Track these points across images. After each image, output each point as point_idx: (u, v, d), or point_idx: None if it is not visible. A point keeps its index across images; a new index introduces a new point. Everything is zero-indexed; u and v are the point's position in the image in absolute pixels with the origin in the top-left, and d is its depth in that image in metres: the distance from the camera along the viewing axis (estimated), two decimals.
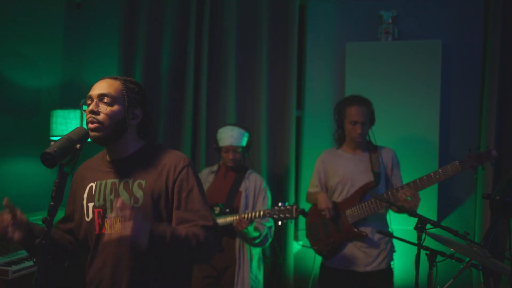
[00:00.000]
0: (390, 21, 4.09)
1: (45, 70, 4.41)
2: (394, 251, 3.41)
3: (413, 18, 4.13)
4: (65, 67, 4.64)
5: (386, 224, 3.38)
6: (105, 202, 2.01)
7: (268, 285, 4.01)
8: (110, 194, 2.01)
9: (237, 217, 3.31)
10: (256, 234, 3.38)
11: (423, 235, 2.44)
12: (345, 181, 3.36)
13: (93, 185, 2.07)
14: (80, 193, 2.09)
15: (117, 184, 2.02)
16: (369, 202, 3.23)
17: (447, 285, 2.48)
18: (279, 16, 4.25)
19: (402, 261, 3.85)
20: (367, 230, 3.29)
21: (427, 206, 3.87)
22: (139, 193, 1.98)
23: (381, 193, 3.27)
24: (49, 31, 4.49)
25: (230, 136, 3.48)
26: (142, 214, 1.81)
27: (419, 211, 2.50)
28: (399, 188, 3.16)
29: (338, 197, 3.39)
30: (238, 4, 4.32)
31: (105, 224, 2.00)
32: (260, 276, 3.57)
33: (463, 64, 4.03)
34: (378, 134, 3.57)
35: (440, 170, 3.10)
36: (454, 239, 2.50)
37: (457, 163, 3.08)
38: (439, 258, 2.55)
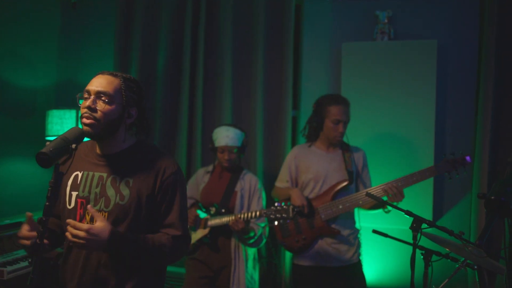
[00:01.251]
0: (386, 21, 4.10)
1: (41, 70, 4.40)
2: (360, 246, 3.47)
3: (409, 18, 4.14)
4: (61, 67, 4.63)
5: (354, 221, 3.44)
6: (89, 194, 2.01)
7: (264, 285, 4.01)
8: (96, 187, 2.01)
9: (233, 217, 3.31)
10: (250, 234, 3.38)
11: (419, 234, 2.44)
12: (318, 178, 3.38)
13: (79, 174, 2.07)
14: (65, 181, 2.08)
15: (104, 178, 2.02)
16: (345, 200, 3.26)
17: (442, 284, 2.49)
18: (275, 16, 4.25)
19: (397, 261, 3.87)
20: (337, 226, 3.33)
21: (423, 205, 3.88)
22: (125, 191, 1.99)
23: (351, 192, 3.33)
24: (45, 31, 4.48)
25: (226, 136, 3.47)
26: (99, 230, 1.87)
27: (414, 210, 2.50)
28: (386, 184, 3.20)
29: (310, 194, 3.40)
30: (234, 4, 4.32)
31: (87, 215, 2.01)
32: (256, 276, 3.57)
33: (459, 64, 4.04)
34: (373, 133, 3.58)
35: (417, 173, 3.17)
36: (450, 238, 2.51)
37: (433, 167, 3.16)
38: (434, 257, 2.56)
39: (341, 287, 3.37)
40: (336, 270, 3.34)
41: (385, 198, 3.16)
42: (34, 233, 1.87)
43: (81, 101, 2.01)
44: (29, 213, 1.91)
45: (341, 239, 3.34)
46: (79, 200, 2.03)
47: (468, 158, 3.13)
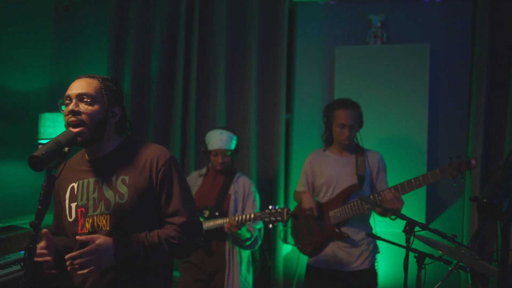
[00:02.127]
0: (379, 25, 4.11)
1: (34, 74, 4.39)
2: (378, 252, 3.45)
3: (402, 22, 4.16)
4: (53, 70, 4.61)
5: (369, 227, 3.44)
6: (88, 201, 2.00)
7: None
8: (93, 192, 2.00)
9: (227, 220, 3.30)
10: (248, 235, 3.38)
11: (412, 237, 2.45)
12: (330, 182, 3.40)
13: (75, 185, 2.06)
14: (62, 195, 2.08)
15: (100, 182, 2.01)
16: (353, 204, 3.27)
17: (435, 287, 2.50)
18: (269, 20, 4.26)
19: (390, 263, 3.87)
20: (349, 231, 3.33)
21: (416, 208, 3.89)
22: (123, 189, 1.98)
23: (365, 195, 3.30)
24: (37, 34, 4.46)
25: (219, 139, 3.47)
26: (100, 246, 1.87)
27: (407, 213, 2.51)
28: (384, 190, 3.20)
29: (323, 198, 3.43)
30: (227, 8, 4.32)
31: (86, 223, 2.00)
32: (250, 279, 3.57)
33: (451, 68, 4.06)
34: (367, 137, 3.58)
35: (420, 177, 3.14)
36: (442, 241, 2.51)
37: (438, 171, 3.12)
38: (427, 260, 2.56)
39: None
40: (347, 275, 3.33)
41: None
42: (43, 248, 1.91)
43: (63, 108, 2.00)
44: (44, 230, 1.92)
45: (353, 244, 3.33)
46: (78, 210, 2.02)
47: (473, 161, 3.09)
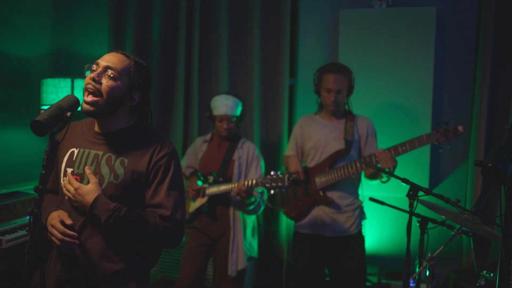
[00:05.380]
0: None
1: (34, 39, 4.33)
2: (364, 218, 3.45)
3: None
4: (54, 35, 4.55)
5: (356, 192, 3.41)
6: (84, 172, 1.99)
7: (262, 252, 4.05)
8: (91, 165, 2.00)
9: (231, 186, 3.31)
10: (252, 199, 3.39)
11: (415, 202, 2.45)
12: (318, 147, 3.37)
13: (75, 151, 2.05)
14: (60, 156, 2.07)
15: (100, 156, 2.01)
16: (338, 168, 3.24)
17: (437, 251, 2.52)
18: None
19: (393, 228, 3.90)
20: (334, 195, 3.32)
21: (419, 173, 3.90)
22: (120, 170, 1.97)
23: (352, 160, 3.27)
24: None
25: (225, 105, 3.44)
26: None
27: (411, 178, 2.51)
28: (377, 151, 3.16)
29: (311, 162, 3.40)
30: None
31: None
32: (255, 244, 3.60)
33: (457, 31, 4.00)
34: (370, 101, 3.56)
35: (407, 143, 3.08)
36: (446, 206, 2.52)
37: (423, 137, 3.06)
38: (430, 225, 2.58)
39: (335, 258, 3.38)
40: (332, 240, 3.34)
41: (379, 166, 3.14)
42: None
43: (88, 72, 1.99)
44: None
45: (338, 209, 3.32)
46: (73, 177, 2.01)
47: (460, 127, 3.01)
